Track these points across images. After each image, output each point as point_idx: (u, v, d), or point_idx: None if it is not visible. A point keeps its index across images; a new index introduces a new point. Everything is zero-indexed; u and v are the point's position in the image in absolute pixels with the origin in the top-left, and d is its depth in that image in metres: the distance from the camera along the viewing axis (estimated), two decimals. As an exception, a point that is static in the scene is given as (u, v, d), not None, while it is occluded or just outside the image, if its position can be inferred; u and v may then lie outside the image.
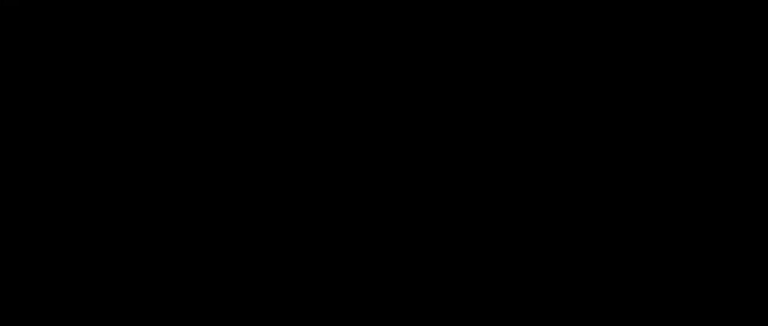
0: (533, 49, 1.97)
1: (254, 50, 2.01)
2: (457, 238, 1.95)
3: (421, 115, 1.98)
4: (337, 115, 1.99)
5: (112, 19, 2.02)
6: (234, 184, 1.98)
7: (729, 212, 1.91)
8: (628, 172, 1.93)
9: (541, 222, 1.94)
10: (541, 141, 1.96)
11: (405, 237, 1.95)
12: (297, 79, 2.00)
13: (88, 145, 1.99)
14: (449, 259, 1.95)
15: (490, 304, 1.93)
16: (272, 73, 2.01)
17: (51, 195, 1.98)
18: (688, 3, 1.95)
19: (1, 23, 2.01)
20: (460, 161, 1.96)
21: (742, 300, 1.89)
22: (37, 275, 1.96)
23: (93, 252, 1.97)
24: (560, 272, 1.92)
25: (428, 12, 1.99)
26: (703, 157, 1.93)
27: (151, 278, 1.96)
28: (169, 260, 1.97)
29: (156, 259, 1.97)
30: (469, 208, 1.95)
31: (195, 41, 2.01)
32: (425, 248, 1.95)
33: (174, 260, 1.97)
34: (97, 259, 1.97)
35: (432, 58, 1.99)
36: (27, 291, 1.96)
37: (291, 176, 1.98)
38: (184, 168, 1.99)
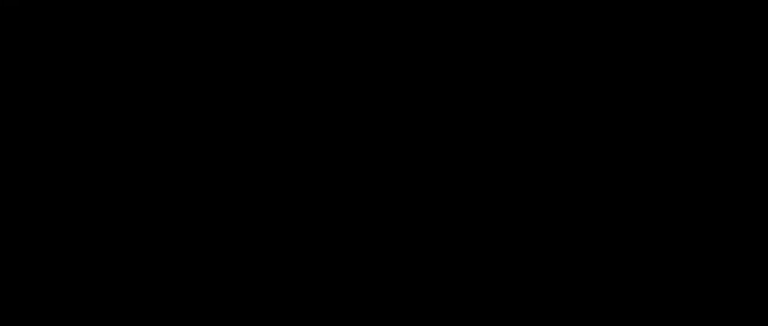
0: (533, 49, 1.98)
1: (254, 50, 2.01)
2: (457, 238, 1.95)
3: (420, 115, 1.98)
4: (337, 115, 1.99)
5: (112, 19, 2.02)
6: (234, 184, 1.99)
7: (729, 212, 1.91)
8: (628, 172, 1.94)
9: (541, 222, 1.94)
10: (541, 141, 1.96)
11: (405, 237, 1.96)
12: (297, 79, 2.00)
13: (88, 145, 2.00)
14: (449, 259, 1.95)
15: (490, 304, 1.93)
16: (272, 73, 2.01)
17: (51, 195, 1.98)
18: (688, 3, 1.95)
19: (1, 23, 2.02)
20: (460, 161, 1.97)
21: (742, 300, 1.89)
22: (37, 275, 1.96)
23: (93, 252, 1.97)
24: (560, 272, 1.93)
25: (428, 12, 1.99)
26: (703, 157, 1.93)
27: (151, 278, 1.96)
28: (169, 260, 1.97)
29: (156, 259, 1.97)
30: (469, 208, 1.95)
31: (195, 41, 2.01)
32: (425, 248, 1.95)
33: (174, 260, 1.97)
34: (98, 259, 1.97)
35: (432, 59, 1.99)
36: (27, 291, 1.96)
37: (291, 176, 1.98)
38: (184, 168, 1.99)
